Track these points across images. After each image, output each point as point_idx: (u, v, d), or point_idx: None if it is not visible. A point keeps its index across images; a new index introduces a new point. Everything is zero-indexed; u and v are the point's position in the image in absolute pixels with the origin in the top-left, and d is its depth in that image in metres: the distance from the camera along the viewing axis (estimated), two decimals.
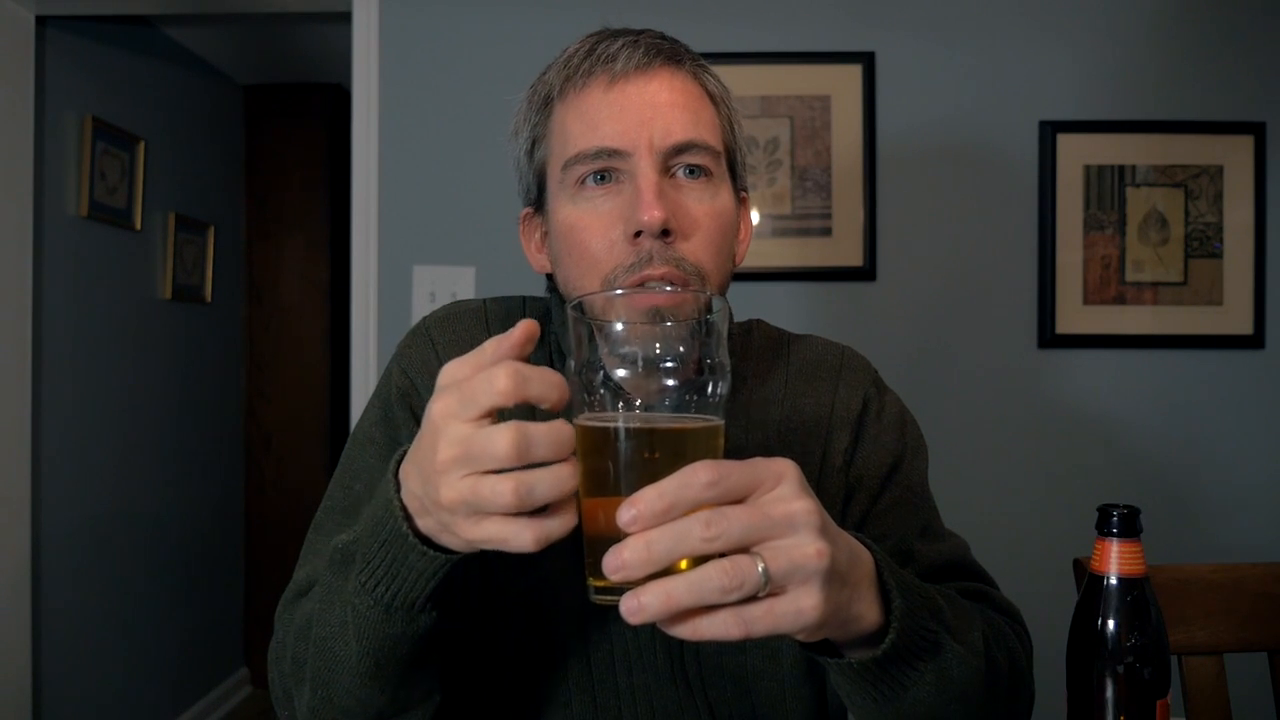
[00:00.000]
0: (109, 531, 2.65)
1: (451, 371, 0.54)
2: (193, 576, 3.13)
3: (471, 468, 0.51)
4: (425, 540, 0.58)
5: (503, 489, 0.50)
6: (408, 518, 0.58)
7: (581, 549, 0.55)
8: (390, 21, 2.05)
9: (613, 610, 0.50)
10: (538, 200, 0.86)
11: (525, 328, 0.54)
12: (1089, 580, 0.67)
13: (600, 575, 0.50)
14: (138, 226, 2.77)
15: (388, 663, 0.64)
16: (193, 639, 3.11)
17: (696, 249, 0.77)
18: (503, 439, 0.50)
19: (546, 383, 0.52)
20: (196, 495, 3.15)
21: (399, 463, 0.59)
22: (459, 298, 1.65)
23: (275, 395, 3.55)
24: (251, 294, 3.57)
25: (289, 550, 3.02)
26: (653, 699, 0.79)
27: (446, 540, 0.56)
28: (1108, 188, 2.01)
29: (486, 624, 0.80)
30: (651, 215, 0.73)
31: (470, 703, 0.81)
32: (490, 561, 0.81)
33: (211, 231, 3.21)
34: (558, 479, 0.51)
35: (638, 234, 0.75)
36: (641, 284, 0.75)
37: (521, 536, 0.51)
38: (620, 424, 0.54)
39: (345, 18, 2.15)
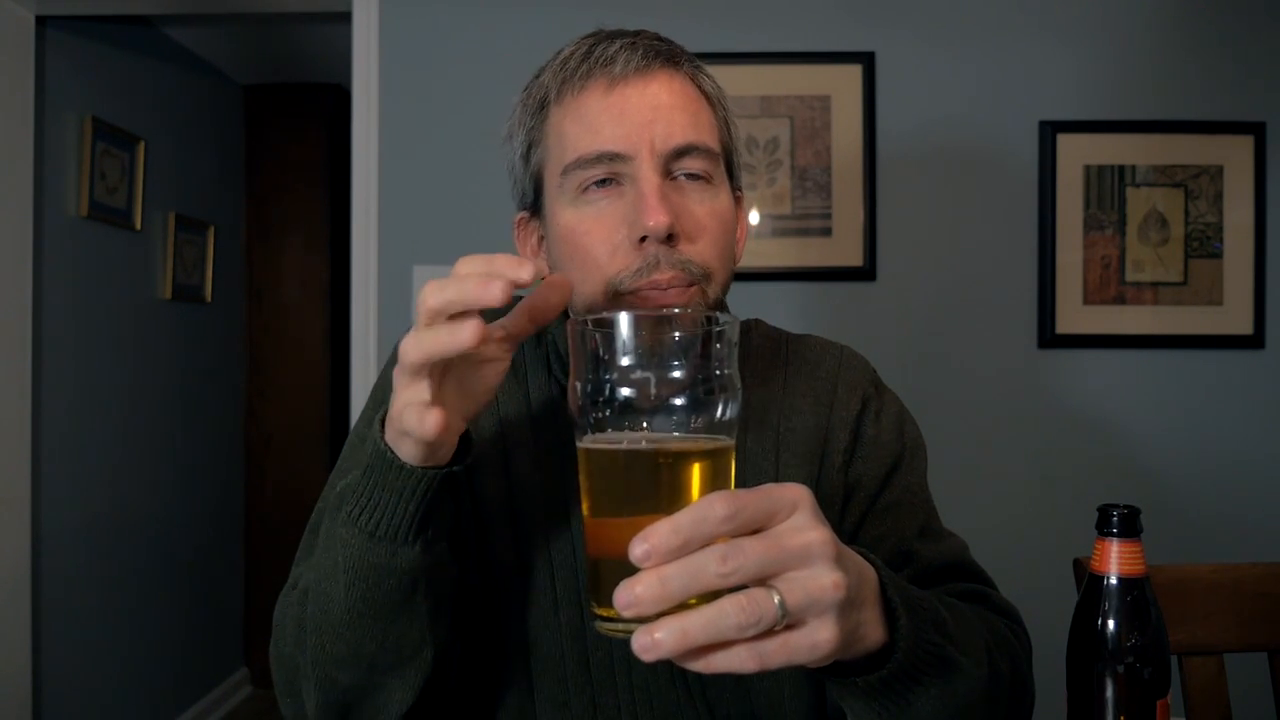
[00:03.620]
0: (109, 531, 2.65)
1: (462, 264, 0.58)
2: (193, 576, 3.12)
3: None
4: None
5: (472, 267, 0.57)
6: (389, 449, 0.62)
7: (579, 558, 0.54)
8: (390, 21, 2.05)
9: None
10: (534, 204, 0.85)
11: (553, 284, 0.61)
12: (1089, 580, 0.67)
13: (606, 604, 0.49)
14: (138, 226, 2.77)
15: (374, 596, 0.65)
16: (193, 639, 3.11)
17: (703, 251, 0.77)
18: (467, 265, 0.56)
19: (514, 264, 0.56)
20: (196, 495, 3.15)
21: (384, 419, 0.63)
22: None
23: (275, 395, 3.55)
24: (251, 294, 3.56)
25: (289, 550, 3.01)
26: (652, 699, 0.79)
27: (411, 423, 0.58)
28: (1108, 188, 2.01)
29: (485, 623, 0.80)
30: (657, 220, 0.73)
31: (469, 702, 0.81)
32: (489, 561, 0.81)
33: (211, 231, 3.20)
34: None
35: (643, 239, 0.74)
36: (649, 288, 0.74)
37: (459, 334, 0.55)
38: (625, 445, 0.52)
39: (345, 18, 2.15)
